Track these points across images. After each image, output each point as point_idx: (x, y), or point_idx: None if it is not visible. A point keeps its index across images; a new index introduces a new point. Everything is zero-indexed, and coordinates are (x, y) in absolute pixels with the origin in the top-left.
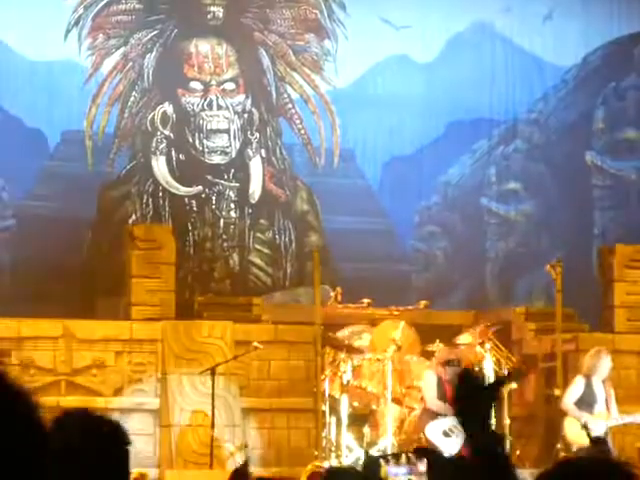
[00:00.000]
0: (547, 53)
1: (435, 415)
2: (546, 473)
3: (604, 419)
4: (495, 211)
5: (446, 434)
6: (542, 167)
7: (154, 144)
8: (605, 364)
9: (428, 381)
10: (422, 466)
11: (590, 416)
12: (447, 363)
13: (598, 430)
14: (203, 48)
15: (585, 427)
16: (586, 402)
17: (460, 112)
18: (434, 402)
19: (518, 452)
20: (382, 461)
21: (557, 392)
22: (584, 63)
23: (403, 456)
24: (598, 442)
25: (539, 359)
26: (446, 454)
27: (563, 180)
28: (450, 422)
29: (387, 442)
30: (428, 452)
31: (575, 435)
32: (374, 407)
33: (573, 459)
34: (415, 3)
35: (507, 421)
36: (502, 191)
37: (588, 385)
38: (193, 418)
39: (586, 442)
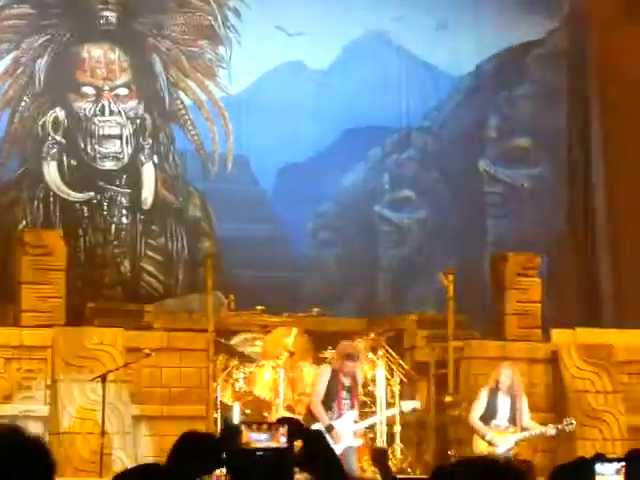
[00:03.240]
0: (441, 62)
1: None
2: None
3: (511, 435)
4: (388, 218)
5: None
6: (435, 175)
7: (45, 149)
8: (504, 377)
9: (320, 378)
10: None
11: (495, 432)
12: (347, 357)
13: (505, 445)
14: (95, 53)
15: (490, 443)
16: (487, 416)
17: (354, 119)
18: (316, 406)
19: (410, 459)
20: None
21: (448, 399)
22: (477, 72)
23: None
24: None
25: (431, 366)
26: None
27: (456, 188)
28: (337, 430)
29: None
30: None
31: (484, 450)
32: (266, 414)
33: (470, 458)
34: (309, 11)
35: (398, 428)
36: (395, 198)
37: (491, 398)
38: (83, 425)
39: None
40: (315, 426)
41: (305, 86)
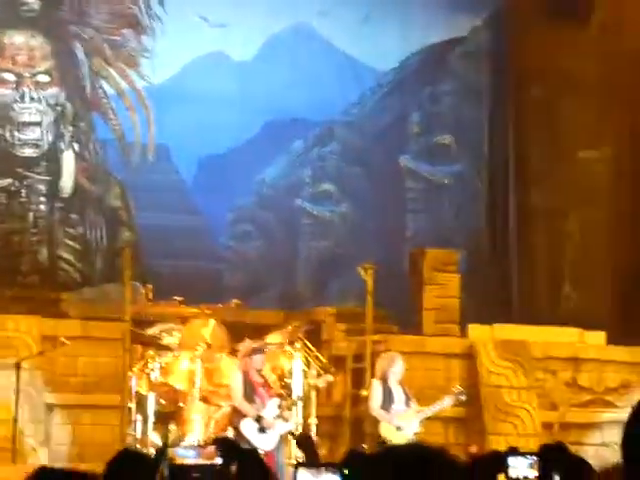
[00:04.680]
0: (364, 56)
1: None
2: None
3: (414, 415)
4: (309, 212)
5: (262, 430)
6: (357, 169)
7: None
8: (399, 367)
9: (234, 381)
10: (218, 457)
11: (400, 416)
12: (253, 352)
13: (412, 427)
14: (17, 39)
15: (398, 428)
16: (385, 404)
17: (277, 112)
18: (240, 403)
19: (324, 452)
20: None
21: (365, 393)
22: (401, 67)
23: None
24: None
25: (348, 360)
26: (260, 450)
27: (378, 183)
28: (267, 419)
29: (193, 439)
30: (225, 442)
31: (392, 437)
32: (181, 405)
33: (393, 446)
34: (233, 2)
35: (314, 420)
36: (317, 192)
37: (385, 388)
38: None
39: (403, 440)
40: (244, 420)
41: (228, 77)
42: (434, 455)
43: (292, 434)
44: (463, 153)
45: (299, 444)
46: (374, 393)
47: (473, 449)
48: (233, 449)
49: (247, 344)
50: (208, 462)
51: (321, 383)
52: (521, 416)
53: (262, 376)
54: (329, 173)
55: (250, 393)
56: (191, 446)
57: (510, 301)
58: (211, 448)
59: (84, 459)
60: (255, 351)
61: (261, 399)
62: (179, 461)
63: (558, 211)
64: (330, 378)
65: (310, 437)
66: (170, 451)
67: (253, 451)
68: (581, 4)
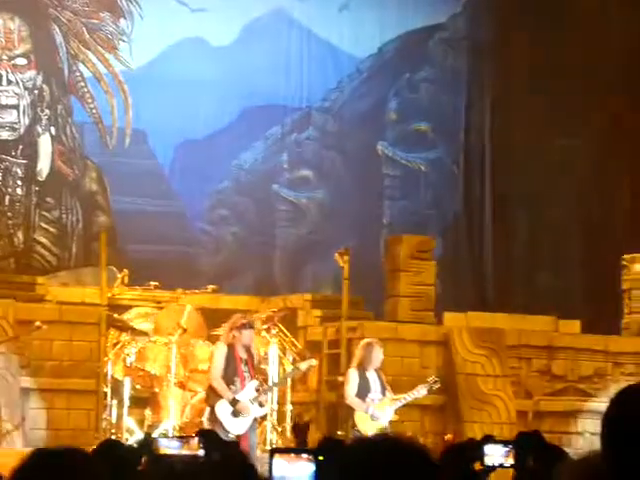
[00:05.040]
0: (343, 42)
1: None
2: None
3: (388, 405)
4: (286, 197)
5: (235, 414)
6: (334, 155)
7: None
8: (377, 355)
9: (216, 355)
10: (200, 449)
11: (375, 405)
12: (242, 326)
13: (387, 416)
14: None
15: (372, 417)
16: (361, 393)
17: (255, 97)
18: (218, 381)
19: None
20: (154, 436)
21: (340, 379)
22: (379, 54)
23: (174, 434)
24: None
25: (324, 346)
26: (230, 435)
27: (355, 169)
28: (242, 402)
29: (168, 425)
30: (207, 434)
31: (366, 426)
32: (157, 390)
33: (365, 437)
34: None
35: (289, 407)
36: (294, 178)
37: (362, 376)
38: None
39: (377, 429)
40: (220, 402)
41: (206, 63)
42: (405, 446)
43: (296, 423)
44: (440, 140)
45: (296, 431)
46: (350, 382)
47: (449, 437)
48: (216, 441)
49: (236, 317)
50: (191, 453)
51: (304, 366)
52: (496, 404)
53: (249, 353)
54: (306, 159)
55: (231, 374)
56: (174, 437)
57: (486, 288)
58: (194, 440)
59: (59, 443)
60: (245, 326)
61: (241, 380)
62: (162, 451)
63: (534, 198)
64: (314, 362)
65: (308, 426)
66: (154, 443)
67: (236, 443)
68: None
